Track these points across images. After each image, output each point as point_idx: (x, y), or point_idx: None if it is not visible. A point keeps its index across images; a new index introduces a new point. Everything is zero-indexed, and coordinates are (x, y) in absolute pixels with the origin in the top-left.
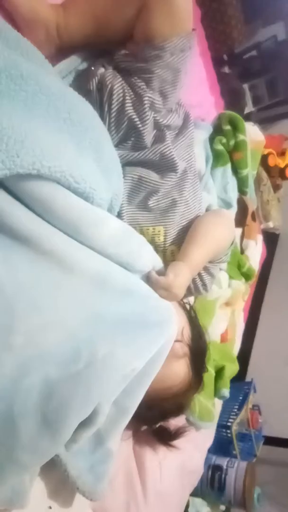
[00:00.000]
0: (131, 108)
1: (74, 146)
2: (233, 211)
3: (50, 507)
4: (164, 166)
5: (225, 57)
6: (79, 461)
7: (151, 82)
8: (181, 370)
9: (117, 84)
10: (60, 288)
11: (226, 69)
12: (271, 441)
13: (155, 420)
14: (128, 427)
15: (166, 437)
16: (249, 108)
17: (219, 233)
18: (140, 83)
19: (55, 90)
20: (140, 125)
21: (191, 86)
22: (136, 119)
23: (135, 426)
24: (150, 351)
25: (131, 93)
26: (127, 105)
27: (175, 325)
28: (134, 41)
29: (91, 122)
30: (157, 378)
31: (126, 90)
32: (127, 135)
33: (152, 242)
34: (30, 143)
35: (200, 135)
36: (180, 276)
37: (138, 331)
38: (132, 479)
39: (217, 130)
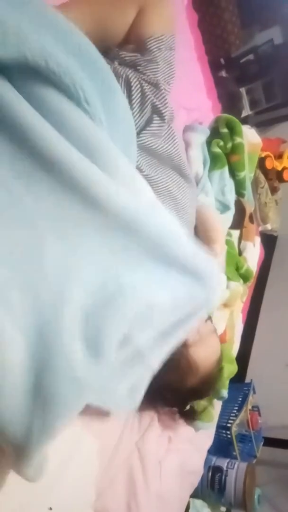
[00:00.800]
0: (152, 94)
1: (84, 72)
2: (231, 213)
3: (50, 508)
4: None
5: (222, 61)
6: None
7: (157, 73)
8: (218, 344)
9: (131, 74)
10: (83, 226)
11: (223, 73)
12: (270, 442)
13: (190, 399)
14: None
15: (193, 415)
16: (246, 111)
17: None
18: (150, 74)
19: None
20: (162, 109)
21: (189, 90)
22: (159, 104)
23: (158, 408)
24: (180, 292)
25: (146, 82)
26: (146, 92)
27: (218, 285)
28: (128, 42)
29: (103, 68)
30: (203, 349)
31: (140, 79)
32: (149, 121)
33: None
34: (41, 39)
35: (197, 138)
36: None
37: (170, 271)
38: (133, 479)
39: (215, 133)
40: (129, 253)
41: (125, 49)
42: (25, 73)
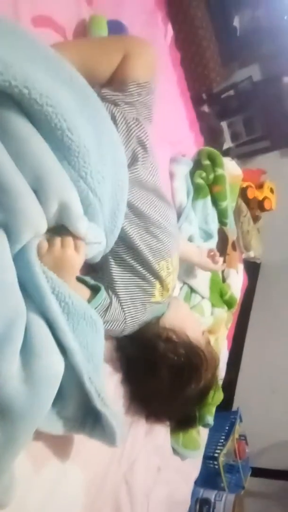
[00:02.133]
0: (135, 127)
1: (75, 102)
2: (214, 241)
3: None
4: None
5: (204, 96)
6: None
7: (134, 114)
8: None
9: (114, 109)
10: None
11: (205, 108)
12: (258, 472)
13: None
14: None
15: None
16: (227, 144)
17: None
18: (129, 112)
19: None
20: (145, 141)
21: (172, 124)
22: (142, 136)
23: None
24: None
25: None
26: (131, 125)
27: None
28: (112, 83)
29: (94, 97)
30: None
31: (124, 113)
32: (135, 153)
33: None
34: (27, 67)
35: (181, 170)
36: None
37: None
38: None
39: (197, 165)
40: None
41: (107, 88)
42: None
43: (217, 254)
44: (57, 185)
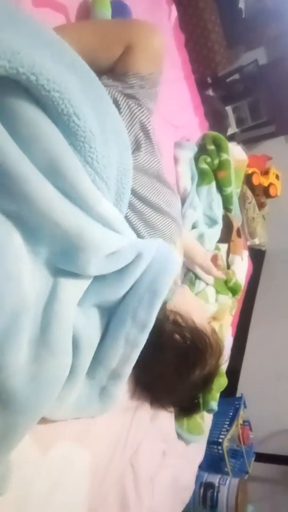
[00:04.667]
0: (138, 112)
1: (79, 86)
2: (218, 227)
3: None
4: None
5: (209, 80)
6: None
7: (138, 104)
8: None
9: (116, 94)
10: None
11: (210, 92)
12: (262, 457)
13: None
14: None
15: (197, 409)
16: (232, 129)
17: None
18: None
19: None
20: (148, 126)
21: (177, 108)
22: (145, 121)
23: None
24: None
25: (131, 100)
26: (134, 110)
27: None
28: (114, 72)
29: (96, 81)
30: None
31: (126, 98)
32: (138, 139)
33: None
34: (33, 54)
35: (185, 155)
36: None
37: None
38: (126, 496)
39: (202, 149)
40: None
41: (108, 76)
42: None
43: (220, 261)
44: (71, 166)
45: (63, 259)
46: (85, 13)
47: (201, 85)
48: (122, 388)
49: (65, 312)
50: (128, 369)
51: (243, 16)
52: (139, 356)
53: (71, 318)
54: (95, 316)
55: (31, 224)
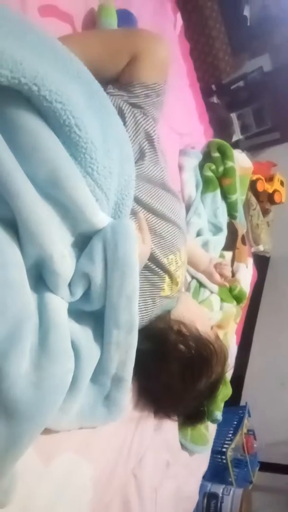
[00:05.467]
0: (143, 121)
1: (83, 97)
2: (223, 235)
3: None
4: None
5: (213, 87)
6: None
7: (143, 113)
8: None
9: (122, 103)
10: None
11: (215, 99)
12: (266, 467)
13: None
14: (132, 446)
15: (201, 419)
16: (237, 136)
17: None
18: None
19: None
20: (153, 135)
21: (181, 116)
22: (150, 130)
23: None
24: None
25: (136, 108)
26: (139, 119)
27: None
28: (119, 80)
29: (100, 91)
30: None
31: (131, 107)
32: (142, 147)
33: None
34: (36, 64)
35: (190, 162)
36: None
37: None
38: (129, 507)
39: (207, 157)
40: None
41: (113, 85)
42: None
43: (226, 271)
44: (70, 177)
45: (43, 274)
46: (91, 22)
47: (206, 93)
48: (128, 394)
49: (60, 319)
50: (129, 371)
51: (248, 23)
52: (144, 367)
53: (66, 325)
54: (89, 322)
55: (21, 235)
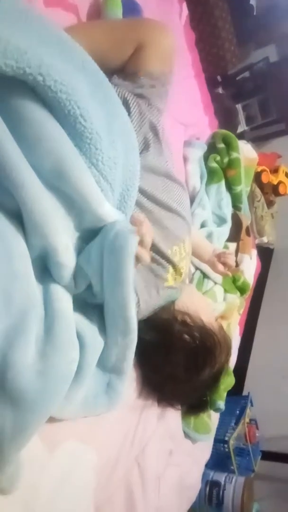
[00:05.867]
0: (148, 112)
1: (88, 87)
2: (227, 226)
3: None
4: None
5: (219, 78)
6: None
7: (148, 103)
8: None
9: (126, 93)
10: None
11: (220, 90)
12: (268, 456)
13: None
14: (136, 435)
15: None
16: (242, 127)
17: None
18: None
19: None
20: (157, 126)
21: (187, 106)
22: (154, 121)
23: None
24: None
25: (141, 99)
26: (143, 110)
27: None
28: (124, 70)
29: (105, 82)
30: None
31: (136, 98)
32: (147, 138)
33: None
34: (41, 54)
35: (195, 153)
36: None
37: None
38: (132, 494)
39: (212, 148)
40: None
41: (118, 76)
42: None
43: (229, 260)
44: (75, 167)
45: (48, 265)
46: (96, 12)
47: (211, 83)
48: (127, 381)
49: (65, 310)
50: (129, 361)
51: (254, 13)
52: (148, 357)
53: (71, 315)
54: (94, 313)
55: (26, 226)
